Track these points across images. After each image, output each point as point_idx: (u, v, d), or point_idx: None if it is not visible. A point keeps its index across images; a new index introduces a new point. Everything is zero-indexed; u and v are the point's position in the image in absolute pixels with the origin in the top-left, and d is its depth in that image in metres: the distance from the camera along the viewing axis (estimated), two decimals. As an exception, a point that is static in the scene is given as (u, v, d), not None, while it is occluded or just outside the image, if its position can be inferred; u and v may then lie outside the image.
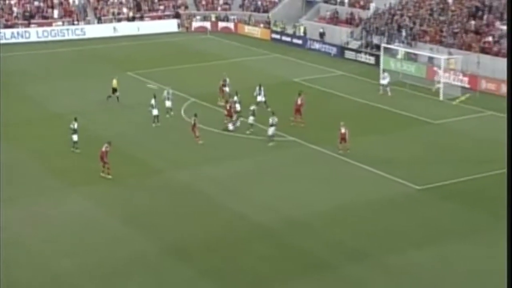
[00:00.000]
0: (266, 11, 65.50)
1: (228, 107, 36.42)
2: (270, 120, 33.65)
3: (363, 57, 51.83)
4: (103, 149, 29.23)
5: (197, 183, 29.28)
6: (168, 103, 37.22)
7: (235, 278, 21.93)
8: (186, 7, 67.20)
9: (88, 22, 63.44)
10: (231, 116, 35.96)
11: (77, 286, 21.58)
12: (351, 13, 58.86)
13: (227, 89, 40.51)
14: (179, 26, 64.68)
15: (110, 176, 29.15)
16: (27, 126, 37.07)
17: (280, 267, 22.50)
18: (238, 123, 35.50)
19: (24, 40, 59.52)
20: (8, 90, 43.75)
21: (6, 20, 61.47)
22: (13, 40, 59.11)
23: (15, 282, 21.74)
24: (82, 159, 31.41)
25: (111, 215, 26.43)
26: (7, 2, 63.08)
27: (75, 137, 32.29)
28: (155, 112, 35.85)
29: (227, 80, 41.04)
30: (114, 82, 40.49)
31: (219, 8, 67.45)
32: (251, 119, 34.98)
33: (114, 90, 40.22)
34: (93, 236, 24.63)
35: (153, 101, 36.09)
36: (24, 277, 22.05)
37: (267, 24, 62.59)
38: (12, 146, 33.63)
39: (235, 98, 37.17)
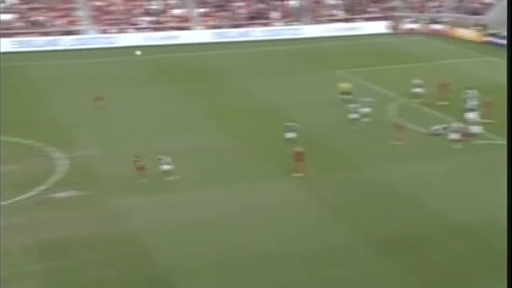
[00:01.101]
0: (479, 13, 60.86)
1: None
2: (454, 126, 31.38)
3: None
4: (297, 149, 28.57)
5: (396, 180, 27.81)
6: (366, 110, 35.45)
7: (430, 275, 20.58)
8: (397, 10, 64.86)
9: (305, 23, 63.88)
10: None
11: (283, 269, 21.36)
12: None
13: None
14: (390, 28, 62.57)
15: (302, 174, 28.33)
16: (240, 116, 37.53)
17: (477, 268, 20.86)
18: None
19: (247, 38, 61.33)
20: (232, 83, 45.08)
21: (233, 21, 64.05)
22: (238, 39, 61.11)
23: (208, 258, 21.72)
24: (286, 153, 30.97)
25: (316, 205, 25.99)
26: (234, 4, 65.72)
27: (289, 135, 31.71)
28: (353, 115, 34.58)
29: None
30: (345, 86, 39.35)
31: (430, 11, 64.10)
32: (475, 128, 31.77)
33: (344, 93, 38.73)
34: (298, 223, 24.40)
35: (352, 105, 35.02)
36: (225, 256, 22.07)
37: (481, 26, 58.10)
38: (228, 133, 34.43)
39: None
